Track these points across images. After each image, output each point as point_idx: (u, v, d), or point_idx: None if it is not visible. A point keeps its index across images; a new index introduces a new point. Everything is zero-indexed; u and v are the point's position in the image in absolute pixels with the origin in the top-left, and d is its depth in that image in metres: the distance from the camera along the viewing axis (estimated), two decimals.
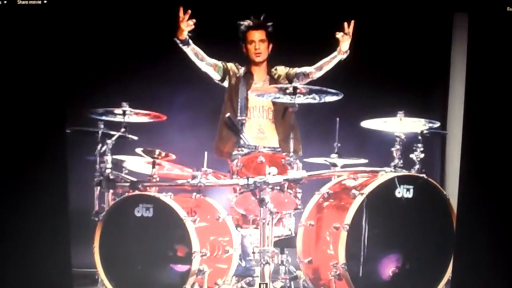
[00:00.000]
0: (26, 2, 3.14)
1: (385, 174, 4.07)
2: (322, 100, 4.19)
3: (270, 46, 4.79)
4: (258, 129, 4.79)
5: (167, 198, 4.16)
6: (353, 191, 4.00)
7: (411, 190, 3.99)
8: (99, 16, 5.31)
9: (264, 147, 4.43)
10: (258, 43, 4.72)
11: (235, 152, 4.62)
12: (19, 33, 3.16)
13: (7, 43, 3.15)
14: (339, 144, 4.63)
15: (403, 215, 4.00)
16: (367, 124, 4.38)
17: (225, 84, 4.84)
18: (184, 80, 5.44)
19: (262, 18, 4.73)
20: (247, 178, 4.02)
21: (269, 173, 3.99)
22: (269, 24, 4.73)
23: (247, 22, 4.74)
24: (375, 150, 4.70)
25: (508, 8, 3.38)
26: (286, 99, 4.15)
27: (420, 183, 4.04)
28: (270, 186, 3.98)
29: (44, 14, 3.18)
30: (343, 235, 3.88)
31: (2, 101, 3.25)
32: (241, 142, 4.55)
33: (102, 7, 5.15)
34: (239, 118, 4.73)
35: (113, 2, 5.24)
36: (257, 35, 4.72)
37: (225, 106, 4.80)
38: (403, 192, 3.99)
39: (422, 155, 4.15)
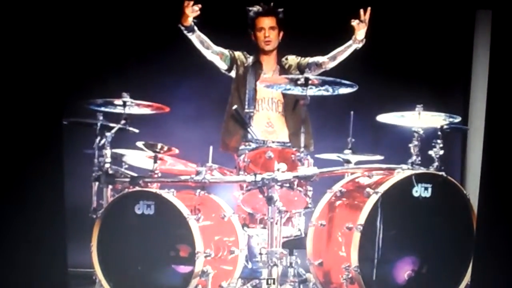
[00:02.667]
0: None
1: (402, 172, 4.04)
2: (336, 92, 4.16)
3: (281, 34, 4.75)
4: (267, 122, 4.77)
5: (169, 195, 4.14)
6: (368, 189, 3.98)
7: (429, 189, 3.97)
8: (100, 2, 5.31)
9: (273, 142, 4.37)
10: (268, 31, 4.68)
11: (242, 147, 4.55)
12: (17, 22, 3.24)
13: (5, 32, 3.24)
14: (353, 139, 4.62)
15: (421, 215, 3.97)
16: (383, 118, 4.35)
17: (232, 74, 4.80)
18: (188, 70, 5.45)
19: (272, 3, 4.69)
20: (255, 174, 4.01)
21: (278, 170, 3.98)
22: (280, 10, 4.69)
23: (256, 8, 4.70)
24: (392, 146, 4.70)
25: None
26: (297, 90, 4.13)
27: (439, 181, 4.01)
28: (279, 184, 3.97)
29: (44, 3, 3.26)
30: (356, 236, 3.86)
31: None
32: (249, 136, 4.50)
33: None
34: (246, 110, 4.70)
35: None
36: (267, 22, 4.68)
37: (232, 98, 4.78)
38: (421, 191, 3.96)
39: (441, 152, 4.13)
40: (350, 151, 4.63)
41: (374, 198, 3.91)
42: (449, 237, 4.03)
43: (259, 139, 4.46)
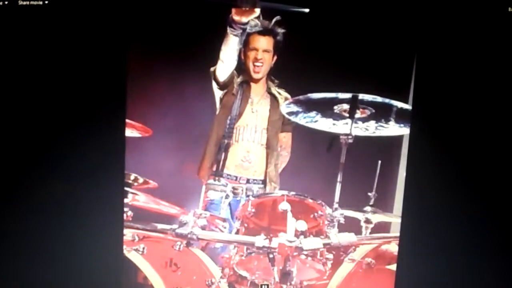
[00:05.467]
0: (27, 2, 3.33)
1: None
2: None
3: (274, 58, 3.94)
4: (244, 156, 3.95)
5: (135, 255, 3.25)
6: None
7: None
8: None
9: (248, 180, 3.75)
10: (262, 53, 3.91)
11: (210, 181, 3.78)
12: (19, 34, 3.31)
13: (7, 43, 3.31)
14: (376, 194, 3.74)
15: None
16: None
17: (219, 93, 3.97)
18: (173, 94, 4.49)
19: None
20: (268, 237, 3.12)
21: (299, 230, 3.12)
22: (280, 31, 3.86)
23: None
24: None
25: None
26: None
27: None
28: (304, 253, 3.11)
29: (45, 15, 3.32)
30: None
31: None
32: (219, 169, 3.78)
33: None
34: (224, 140, 3.91)
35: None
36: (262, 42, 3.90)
37: (216, 122, 3.96)
38: None
39: None
40: (371, 208, 3.71)
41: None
42: None
43: (230, 174, 3.77)
